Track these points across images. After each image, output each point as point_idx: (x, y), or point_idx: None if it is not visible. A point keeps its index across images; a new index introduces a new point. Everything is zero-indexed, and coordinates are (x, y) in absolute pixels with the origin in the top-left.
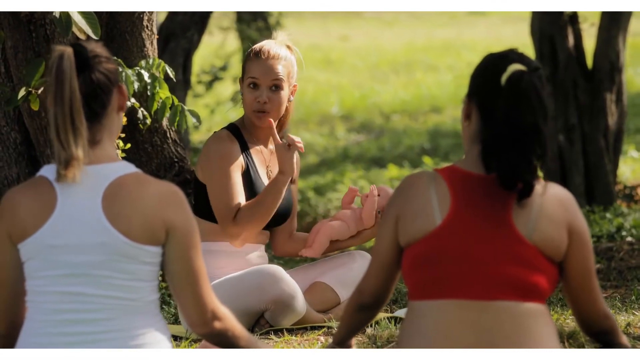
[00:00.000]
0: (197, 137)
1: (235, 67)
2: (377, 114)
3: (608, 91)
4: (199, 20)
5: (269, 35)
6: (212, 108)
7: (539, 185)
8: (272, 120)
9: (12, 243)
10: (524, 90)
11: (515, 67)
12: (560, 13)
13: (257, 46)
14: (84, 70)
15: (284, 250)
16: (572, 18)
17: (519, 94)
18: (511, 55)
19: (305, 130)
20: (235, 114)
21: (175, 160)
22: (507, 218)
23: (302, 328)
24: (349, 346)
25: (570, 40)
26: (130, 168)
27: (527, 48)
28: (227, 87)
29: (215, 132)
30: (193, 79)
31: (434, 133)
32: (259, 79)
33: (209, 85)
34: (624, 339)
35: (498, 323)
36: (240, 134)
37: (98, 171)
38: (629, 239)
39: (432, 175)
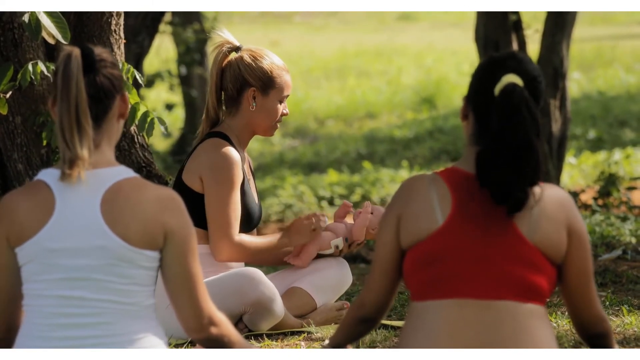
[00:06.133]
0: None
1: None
2: (311, 119)
3: (552, 97)
4: (150, 24)
5: (204, 38)
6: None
7: (537, 187)
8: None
9: (10, 246)
10: (515, 105)
11: (509, 78)
12: (505, 19)
13: (277, 59)
14: (90, 72)
15: None
16: (516, 24)
17: (510, 109)
18: (509, 63)
19: None
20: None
21: (143, 165)
22: (509, 218)
23: (281, 333)
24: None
25: (515, 46)
26: (128, 173)
27: (461, 53)
28: (160, 92)
29: (207, 139)
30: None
31: (369, 138)
32: (289, 93)
33: (148, 86)
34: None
35: (499, 322)
36: (232, 143)
37: (97, 175)
38: None
39: (432, 177)
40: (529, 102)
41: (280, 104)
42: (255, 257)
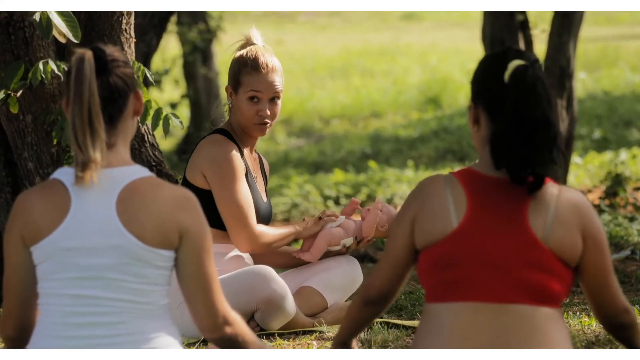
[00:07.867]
0: None
1: (176, 71)
2: (316, 118)
3: (559, 97)
4: (157, 24)
5: (210, 38)
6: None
7: (555, 189)
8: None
9: (25, 245)
10: (530, 84)
11: (516, 63)
12: (512, 18)
13: (251, 56)
14: (103, 73)
15: None
16: (523, 24)
17: (525, 88)
18: (509, 53)
19: None
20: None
21: (153, 164)
22: (524, 221)
23: (292, 332)
24: (350, 347)
25: (522, 45)
26: (144, 172)
27: (465, 52)
28: (165, 92)
29: (207, 136)
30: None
31: (374, 138)
32: (261, 92)
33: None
34: None
35: (513, 326)
36: (234, 139)
37: (112, 175)
38: None
39: (448, 178)
40: (543, 79)
41: (255, 103)
42: (273, 246)
